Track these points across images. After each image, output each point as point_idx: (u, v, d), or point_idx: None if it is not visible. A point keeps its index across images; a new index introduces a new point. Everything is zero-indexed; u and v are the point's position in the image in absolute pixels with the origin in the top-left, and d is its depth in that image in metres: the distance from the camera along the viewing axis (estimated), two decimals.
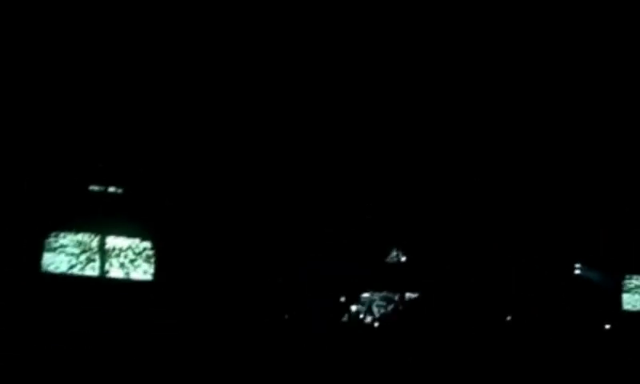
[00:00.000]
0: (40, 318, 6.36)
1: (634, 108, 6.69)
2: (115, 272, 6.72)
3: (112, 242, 6.76)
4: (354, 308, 6.93)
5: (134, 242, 6.80)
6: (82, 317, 6.42)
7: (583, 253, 7.48)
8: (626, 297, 7.54)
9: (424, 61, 6.47)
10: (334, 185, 6.82)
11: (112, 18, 6.18)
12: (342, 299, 6.85)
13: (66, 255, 6.72)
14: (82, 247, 6.70)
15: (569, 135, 6.94)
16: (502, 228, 7.20)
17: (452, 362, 6.69)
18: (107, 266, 6.71)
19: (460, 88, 6.59)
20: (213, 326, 6.52)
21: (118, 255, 6.76)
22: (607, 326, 7.42)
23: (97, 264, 6.71)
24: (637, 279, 7.62)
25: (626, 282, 7.57)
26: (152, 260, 6.74)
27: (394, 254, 6.97)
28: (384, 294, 6.99)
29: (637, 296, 7.58)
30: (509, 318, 7.15)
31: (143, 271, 6.75)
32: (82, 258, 6.72)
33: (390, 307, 6.97)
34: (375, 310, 6.95)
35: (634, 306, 7.56)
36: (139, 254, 6.79)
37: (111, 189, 6.83)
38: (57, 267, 6.64)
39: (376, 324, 6.92)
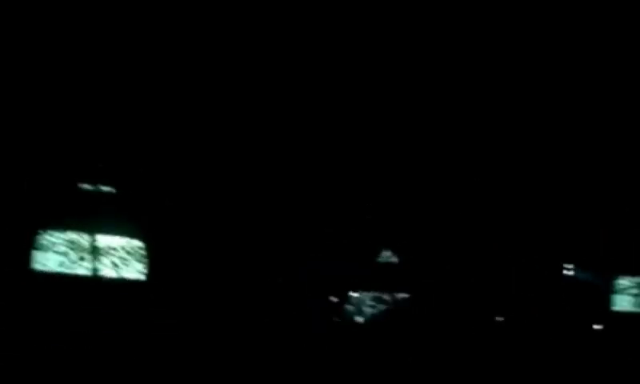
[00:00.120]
0: (31, 317, 6.30)
1: (632, 109, 6.82)
2: (107, 271, 6.67)
3: (104, 240, 6.71)
4: (353, 308, 6.96)
5: (127, 240, 6.75)
6: (74, 316, 6.37)
7: (574, 253, 7.59)
8: (616, 297, 7.66)
9: (423, 61, 6.53)
10: (333, 185, 6.84)
11: (109, 16, 6.14)
12: (341, 299, 6.88)
13: (56, 254, 6.65)
14: (73, 246, 6.64)
15: (562, 137, 7.05)
16: (496, 229, 7.28)
17: (450, 362, 6.76)
18: (99, 265, 6.65)
19: (459, 88, 6.65)
20: (212, 326, 6.51)
21: (109, 254, 6.70)
22: (597, 327, 7.54)
23: (88, 263, 6.65)
24: (628, 280, 7.74)
25: (617, 282, 7.69)
26: (145, 259, 6.70)
27: (389, 254, 7.01)
28: (382, 294, 7.03)
29: (627, 297, 7.71)
30: (500, 318, 7.24)
31: (136, 270, 6.71)
32: (73, 256, 6.66)
33: (389, 307, 7.01)
34: (373, 310, 6.99)
35: (624, 306, 7.69)
36: (132, 253, 6.75)
37: (103, 187, 6.77)
38: (47, 265, 6.57)
39: (375, 324, 6.96)
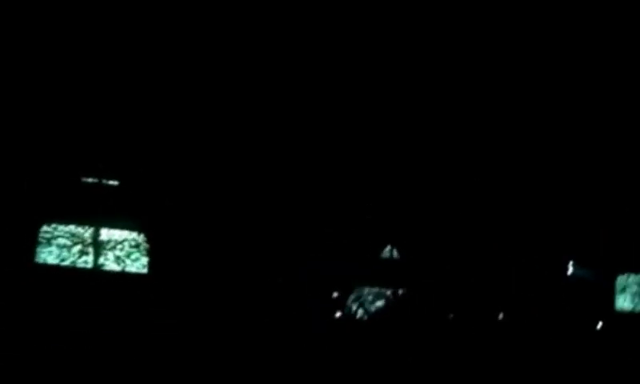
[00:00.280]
0: (33, 310, 6.35)
1: (633, 109, 6.75)
2: (109, 265, 6.71)
3: (106, 233, 6.74)
4: (352, 308, 6.98)
5: (130, 234, 6.78)
6: (76, 309, 6.42)
7: (576, 251, 7.56)
8: (618, 296, 7.65)
9: (423, 61, 6.48)
10: (333, 185, 6.82)
11: (109, 15, 6.12)
12: (341, 298, 6.89)
13: (59, 247, 6.69)
14: (75, 239, 6.67)
15: (563, 136, 7.00)
16: (497, 227, 7.26)
17: (450, 362, 6.78)
18: (101, 259, 6.69)
19: (459, 88, 6.61)
20: (211, 325, 6.54)
21: (112, 248, 6.74)
22: (599, 326, 7.53)
23: (90, 256, 6.69)
24: (631, 277, 7.72)
25: (620, 280, 7.67)
26: (148, 254, 6.73)
27: (389, 253, 7.00)
28: (382, 293, 7.04)
29: (630, 295, 7.69)
30: (501, 317, 7.24)
31: (139, 264, 6.74)
32: (76, 249, 6.70)
33: (389, 307, 7.02)
34: (373, 310, 7.00)
35: (627, 305, 7.68)
36: (135, 246, 6.78)
37: (106, 180, 6.78)
38: (50, 259, 6.61)
39: (375, 324, 6.97)
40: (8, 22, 6.11)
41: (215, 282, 6.60)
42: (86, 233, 6.74)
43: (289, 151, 6.71)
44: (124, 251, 6.77)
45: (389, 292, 6.93)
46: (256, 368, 6.35)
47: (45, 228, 6.66)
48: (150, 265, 6.69)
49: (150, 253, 6.67)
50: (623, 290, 7.65)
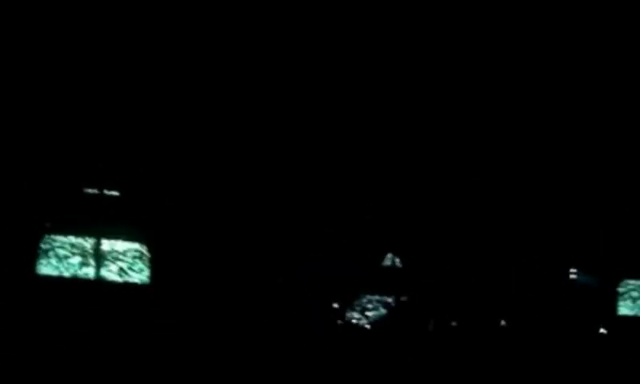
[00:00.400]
0: (35, 322, 6.31)
1: (634, 109, 6.79)
2: (111, 275, 6.69)
3: (108, 244, 6.73)
4: (353, 308, 6.94)
5: (130, 244, 6.78)
6: (78, 321, 6.38)
7: (579, 257, 7.53)
8: (621, 301, 7.59)
9: (424, 61, 6.55)
10: (333, 185, 6.85)
11: (111, 18, 6.21)
12: (341, 299, 6.86)
13: (61, 258, 6.68)
14: (77, 250, 6.67)
15: (566, 137, 7.02)
16: (499, 231, 7.25)
17: (451, 365, 6.71)
18: (103, 270, 6.68)
19: (460, 89, 6.66)
20: (212, 326, 6.50)
21: (114, 258, 6.73)
22: (602, 331, 7.46)
23: (92, 268, 6.67)
24: (633, 284, 7.67)
25: (622, 286, 7.61)
26: (148, 261, 6.72)
27: (390, 254, 6.99)
28: (383, 294, 7.01)
29: (631, 301, 7.63)
30: (504, 322, 7.18)
31: (140, 273, 6.73)
32: (77, 261, 6.69)
33: (389, 307, 6.98)
34: (374, 310, 6.96)
35: (629, 310, 7.61)
36: (135, 256, 6.77)
37: (107, 191, 6.81)
38: (52, 270, 6.60)
39: (375, 324, 6.93)
40: (11, 36, 6.21)
41: (216, 282, 6.58)
42: (88, 244, 6.74)
43: (289, 152, 6.75)
44: (125, 262, 6.77)
45: (389, 292, 6.90)
46: (256, 368, 6.29)
47: (46, 239, 6.67)
48: (152, 271, 6.68)
49: (152, 254, 6.67)
50: (625, 295, 7.59)
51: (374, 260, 6.85)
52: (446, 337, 6.87)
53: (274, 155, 6.72)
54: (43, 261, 6.60)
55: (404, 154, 6.89)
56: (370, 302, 6.90)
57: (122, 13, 6.19)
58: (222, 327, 6.49)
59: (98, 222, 6.69)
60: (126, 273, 6.71)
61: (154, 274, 6.67)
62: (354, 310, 6.86)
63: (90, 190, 6.74)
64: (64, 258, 6.66)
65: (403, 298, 6.87)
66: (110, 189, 6.75)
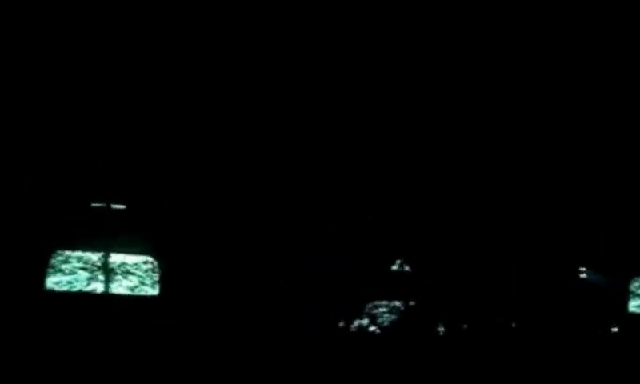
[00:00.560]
0: (45, 337, 6.35)
1: (635, 108, 6.73)
2: (120, 289, 6.72)
3: (116, 258, 6.78)
4: (354, 309, 6.87)
5: (138, 257, 6.82)
6: (88, 335, 6.41)
7: (588, 255, 7.40)
8: (631, 300, 7.44)
9: (424, 61, 6.58)
10: (333, 185, 6.84)
11: (115, 21, 6.35)
12: (342, 300, 6.80)
13: (69, 273, 6.74)
14: (85, 265, 6.72)
15: (571, 135, 6.96)
16: (506, 230, 7.16)
17: (455, 365, 6.60)
18: (112, 284, 6.72)
19: (461, 88, 6.66)
20: (212, 325, 6.48)
21: (123, 272, 6.77)
22: (613, 330, 7.29)
23: (101, 281, 6.72)
24: None
25: (633, 284, 7.47)
26: (154, 266, 6.75)
27: (390, 254, 6.94)
28: (383, 296, 6.93)
29: None
30: (513, 324, 7.05)
31: (146, 283, 6.75)
32: (86, 275, 6.74)
33: (389, 308, 6.90)
34: (375, 312, 6.88)
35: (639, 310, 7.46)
36: (143, 269, 6.80)
37: (114, 205, 6.87)
38: (61, 286, 6.65)
39: (375, 326, 6.84)
40: (11, 49, 6.36)
41: (217, 282, 6.57)
42: (96, 258, 6.80)
43: (289, 151, 6.77)
44: (133, 274, 6.80)
45: (390, 292, 6.82)
46: (256, 368, 6.23)
47: (55, 254, 6.74)
48: (161, 277, 6.70)
49: (155, 257, 6.70)
50: (635, 293, 7.42)
51: (374, 260, 6.79)
52: (457, 339, 6.77)
53: (274, 155, 6.75)
54: (51, 277, 6.66)
55: (404, 154, 6.88)
56: (370, 302, 6.83)
57: (126, 15, 6.32)
58: (221, 326, 6.47)
59: (106, 236, 6.75)
60: (134, 285, 6.74)
61: (162, 282, 6.69)
62: (355, 310, 6.79)
63: (96, 204, 6.81)
64: (72, 273, 6.72)
65: (404, 295, 6.79)
66: (116, 202, 6.82)
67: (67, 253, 6.74)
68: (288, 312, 6.52)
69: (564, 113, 6.78)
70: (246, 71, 6.56)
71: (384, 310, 6.85)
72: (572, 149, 7.03)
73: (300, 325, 6.51)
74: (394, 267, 6.84)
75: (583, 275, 7.34)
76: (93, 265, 6.78)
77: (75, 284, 6.69)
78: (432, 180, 6.88)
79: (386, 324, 6.77)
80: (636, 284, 7.43)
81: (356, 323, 6.76)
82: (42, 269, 6.60)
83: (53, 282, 6.66)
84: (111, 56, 6.48)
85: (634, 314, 7.38)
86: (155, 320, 6.50)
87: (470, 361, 6.69)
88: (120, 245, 6.71)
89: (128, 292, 6.69)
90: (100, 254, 6.75)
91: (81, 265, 6.79)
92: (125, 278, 6.82)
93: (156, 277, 6.76)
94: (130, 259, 6.92)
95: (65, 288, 6.62)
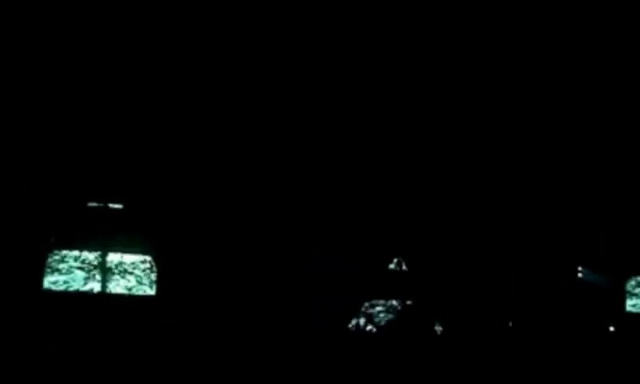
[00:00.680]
0: (43, 337, 6.33)
1: (633, 108, 6.76)
2: (117, 288, 6.72)
3: (113, 257, 6.78)
4: (354, 309, 6.88)
5: (136, 256, 6.82)
6: (86, 334, 6.40)
7: (585, 255, 7.44)
8: (629, 299, 7.49)
9: (424, 61, 6.59)
10: (333, 185, 6.85)
11: (116, 21, 6.33)
12: (342, 300, 6.81)
13: (67, 273, 6.73)
14: (83, 264, 6.72)
15: (569, 135, 6.99)
16: (504, 230, 7.19)
17: (453, 365, 6.63)
18: (109, 283, 6.71)
19: (461, 88, 6.68)
20: (211, 325, 6.48)
21: (120, 271, 6.76)
22: (611, 329, 7.34)
23: (98, 281, 6.71)
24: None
25: (630, 283, 7.53)
26: (152, 266, 6.75)
27: (390, 254, 6.96)
28: (383, 297, 6.95)
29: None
30: (510, 323, 7.08)
31: (144, 283, 6.75)
32: (83, 275, 6.73)
33: (390, 308, 6.92)
34: (374, 311, 6.90)
35: (637, 309, 7.51)
36: (141, 268, 6.80)
37: (111, 204, 6.86)
38: (58, 285, 6.64)
39: (375, 326, 6.86)
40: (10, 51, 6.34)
41: (217, 282, 6.57)
42: (93, 257, 6.79)
43: (288, 151, 6.77)
44: (132, 274, 6.80)
45: (390, 292, 6.83)
46: (256, 368, 6.24)
47: (52, 254, 6.73)
48: (156, 275, 6.69)
49: (154, 257, 6.69)
50: (632, 293, 7.48)
51: (374, 260, 6.80)
52: (457, 339, 6.79)
53: (274, 155, 6.75)
54: (49, 276, 6.65)
55: (404, 154, 6.89)
56: (370, 302, 6.85)
57: (125, 15, 6.31)
58: (222, 327, 6.47)
59: (104, 235, 6.74)
60: (132, 284, 6.74)
61: (161, 282, 6.68)
62: (355, 310, 6.80)
63: (93, 204, 6.79)
64: (69, 272, 6.71)
65: (404, 295, 6.81)
66: (113, 201, 6.80)
67: (65, 252, 6.73)
68: (288, 312, 6.53)
69: (563, 113, 6.81)
70: (245, 71, 6.55)
71: (384, 309, 6.86)
72: (571, 149, 7.06)
73: (300, 325, 6.52)
74: (394, 267, 6.86)
75: (580, 274, 7.39)
76: (90, 264, 6.78)
77: (72, 284, 6.68)
78: (432, 180, 6.90)
79: (385, 324, 6.79)
80: (632, 283, 7.49)
81: (356, 323, 6.78)
82: (41, 268, 6.58)
83: (50, 281, 6.65)
84: (111, 56, 6.46)
85: (631, 314, 7.44)
86: (154, 320, 6.49)
87: (470, 361, 6.72)
88: (119, 245, 6.70)
89: (126, 291, 6.69)
90: (97, 254, 6.75)
91: (78, 264, 6.79)
92: (123, 277, 6.82)
93: (154, 276, 6.77)
94: (128, 259, 6.92)
95: (62, 288, 6.62)
